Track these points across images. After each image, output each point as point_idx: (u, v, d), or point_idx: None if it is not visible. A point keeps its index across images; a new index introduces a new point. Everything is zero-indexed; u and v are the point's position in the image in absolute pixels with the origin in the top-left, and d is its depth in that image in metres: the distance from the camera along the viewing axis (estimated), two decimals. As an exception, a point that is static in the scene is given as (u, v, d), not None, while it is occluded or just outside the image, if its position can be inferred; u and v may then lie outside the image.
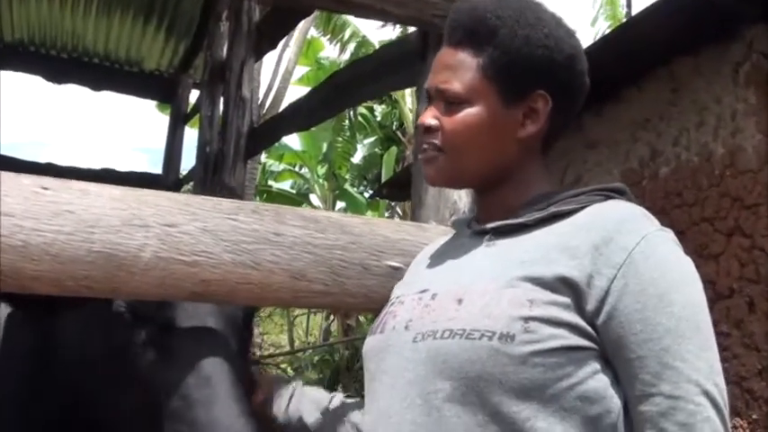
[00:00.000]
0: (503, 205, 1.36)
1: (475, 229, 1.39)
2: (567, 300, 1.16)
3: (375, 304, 1.60)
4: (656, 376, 1.13)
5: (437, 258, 1.44)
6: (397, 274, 1.58)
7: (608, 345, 1.16)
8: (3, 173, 1.30)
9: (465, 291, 1.23)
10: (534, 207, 1.32)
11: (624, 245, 1.18)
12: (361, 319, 12.99)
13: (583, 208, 1.28)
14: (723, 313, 3.76)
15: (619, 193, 1.33)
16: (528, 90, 1.33)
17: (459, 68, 1.34)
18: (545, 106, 1.33)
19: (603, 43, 4.13)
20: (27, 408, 2.08)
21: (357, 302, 1.61)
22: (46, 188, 1.32)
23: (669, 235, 1.24)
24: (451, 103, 1.34)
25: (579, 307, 1.17)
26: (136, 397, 1.72)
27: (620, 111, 4.81)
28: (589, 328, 1.16)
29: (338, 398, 1.65)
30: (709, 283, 4.20)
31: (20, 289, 1.32)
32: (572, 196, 1.31)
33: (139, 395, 1.71)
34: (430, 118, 1.36)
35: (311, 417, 1.62)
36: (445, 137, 1.34)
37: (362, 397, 1.38)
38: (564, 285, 1.17)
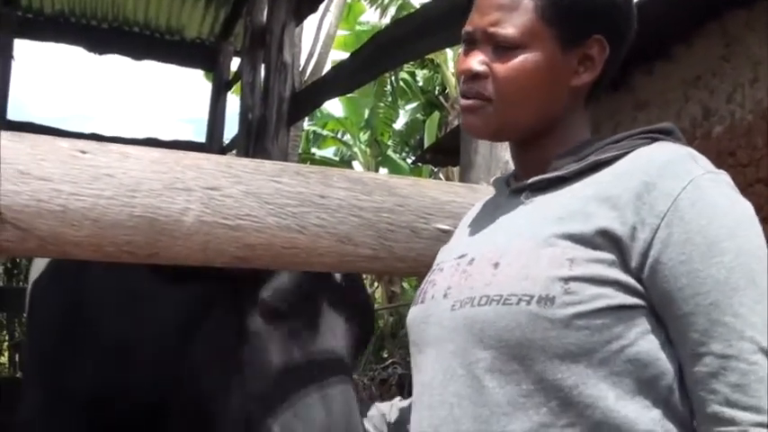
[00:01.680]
0: (543, 159, 1.27)
1: (513, 187, 1.31)
2: (610, 256, 1.08)
3: (424, 269, 1.54)
4: (706, 334, 1.03)
5: (477, 221, 1.37)
6: (446, 237, 1.52)
7: (655, 301, 1.08)
8: (39, 136, 1.27)
9: (501, 253, 1.16)
10: (573, 157, 1.23)
11: (669, 191, 1.08)
12: (405, 285, 12.99)
13: (625, 154, 1.18)
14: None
15: (665, 134, 1.23)
16: (586, 34, 1.22)
17: (512, 9, 1.22)
18: (601, 53, 1.23)
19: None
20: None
21: (406, 267, 1.56)
22: (84, 152, 1.29)
23: (721, 177, 1.12)
24: (503, 47, 1.22)
25: (624, 262, 1.08)
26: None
27: (671, 69, 4.68)
28: (637, 285, 1.08)
29: (395, 405, 1.61)
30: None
31: (61, 255, 1.30)
32: (613, 142, 1.22)
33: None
34: (477, 64, 1.23)
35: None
36: (498, 85, 1.22)
37: (408, 367, 1.34)
38: (606, 240, 1.09)
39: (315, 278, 1.68)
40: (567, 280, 1.07)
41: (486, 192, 1.65)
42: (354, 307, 1.76)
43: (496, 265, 1.15)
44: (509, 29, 1.21)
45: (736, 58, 4.26)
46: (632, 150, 1.18)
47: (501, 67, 1.22)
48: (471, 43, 1.26)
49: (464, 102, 1.27)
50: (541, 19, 1.21)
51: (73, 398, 2.05)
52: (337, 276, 1.75)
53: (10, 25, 6.91)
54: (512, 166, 2.10)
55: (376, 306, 13.49)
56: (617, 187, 1.12)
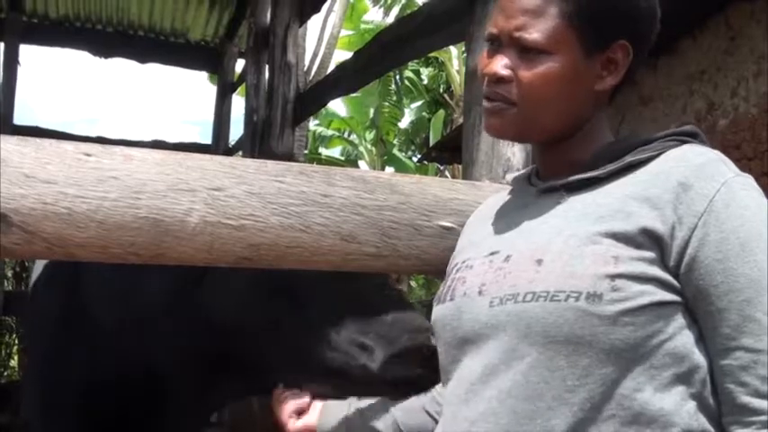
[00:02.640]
0: (569, 159, 1.29)
1: (541, 187, 1.31)
2: (651, 254, 1.12)
3: (428, 266, 1.56)
4: (737, 329, 1.08)
5: (501, 218, 1.37)
6: (448, 234, 1.53)
7: (690, 297, 1.12)
8: (44, 140, 1.28)
9: (543, 251, 1.17)
10: (604, 158, 1.25)
11: (705, 192, 1.12)
12: (413, 284, 13.00)
13: (657, 155, 1.21)
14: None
15: (692, 137, 1.25)
16: (611, 40, 1.23)
17: (539, 14, 1.21)
18: (625, 57, 1.24)
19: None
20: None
21: (409, 264, 1.56)
22: (89, 154, 1.30)
23: (749, 180, 1.17)
24: (528, 51, 1.22)
25: (663, 260, 1.12)
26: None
27: (675, 63, 4.68)
28: (674, 281, 1.12)
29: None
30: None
31: (67, 257, 1.31)
32: (643, 144, 1.24)
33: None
34: (502, 68, 1.24)
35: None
36: (522, 90, 1.23)
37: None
38: (648, 239, 1.12)
39: None
40: (613, 277, 1.10)
41: (488, 189, 1.66)
42: None
43: (539, 261, 1.16)
44: (535, 34, 1.21)
45: (740, 52, 4.25)
46: (663, 152, 1.21)
47: (526, 73, 1.22)
48: (496, 45, 1.27)
49: (487, 104, 1.28)
50: (568, 25, 1.21)
51: (69, 390, 2.08)
52: None
53: (15, 31, 6.94)
54: (513, 163, 2.12)
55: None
56: (655, 187, 1.15)
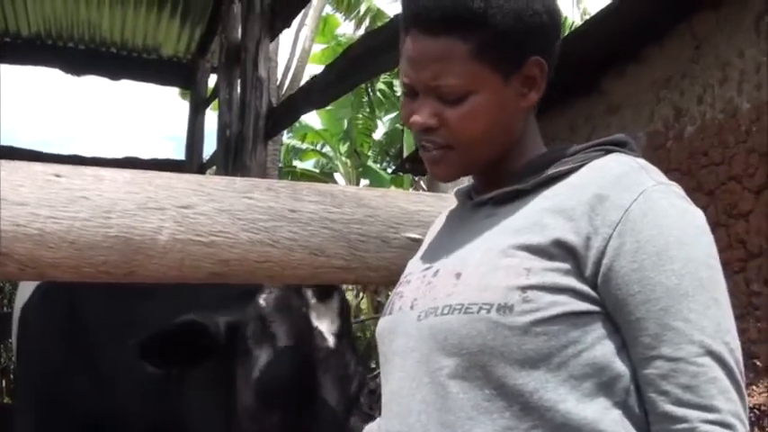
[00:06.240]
0: (502, 173, 1.30)
1: (475, 200, 1.34)
2: (565, 265, 1.12)
3: (397, 277, 1.57)
4: (656, 338, 1.08)
5: (441, 234, 1.41)
6: (416, 245, 1.56)
7: (609, 307, 1.12)
8: (15, 162, 1.30)
9: (463, 264, 1.20)
10: (532, 171, 1.26)
11: (620, 202, 1.12)
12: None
13: (580, 167, 1.22)
14: (754, 272, 3.69)
15: (619, 146, 1.25)
16: (522, 59, 1.23)
17: (447, 59, 1.20)
18: (542, 71, 1.24)
19: (621, 2, 4.04)
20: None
21: (378, 276, 1.59)
22: (59, 175, 1.32)
23: (672, 188, 1.17)
24: (449, 95, 1.22)
25: (579, 271, 1.12)
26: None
27: (642, 71, 4.73)
28: (591, 291, 1.12)
29: None
30: (739, 243, 4.15)
31: (40, 277, 1.33)
32: (570, 155, 1.25)
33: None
34: (427, 116, 1.24)
35: None
36: (453, 132, 1.23)
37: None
38: (561, 250, 1.12)
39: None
40: (524, 288, 1.10)
41: (453, 200, 1.69)
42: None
43: (458, 275, 1.18)
44: (451, 80, 1.21)
45: (705, 60, 4.32)
46: (587, 162, 1.22)
47: (453, 116, 1.23)
48: (413, 94, 1.26)
49: (425, 153, 1.29)
50: (479, 61, 1.20)
51: (69, 419, 2.05)
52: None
53: (-14, 50, 6.91)
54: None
55: (362, 317, 13.51)
56: (572, 199, 1.16)
